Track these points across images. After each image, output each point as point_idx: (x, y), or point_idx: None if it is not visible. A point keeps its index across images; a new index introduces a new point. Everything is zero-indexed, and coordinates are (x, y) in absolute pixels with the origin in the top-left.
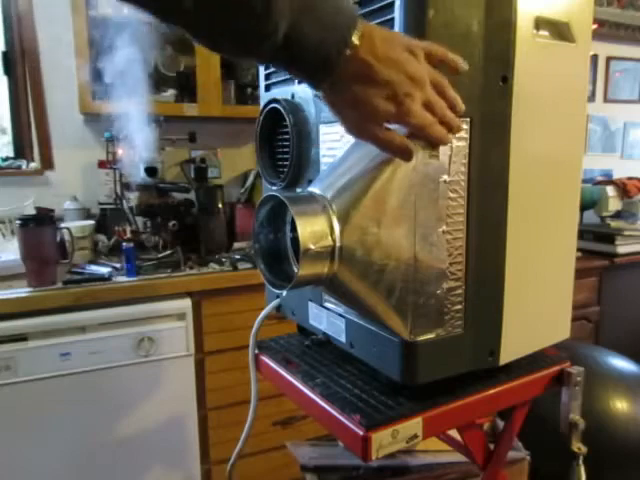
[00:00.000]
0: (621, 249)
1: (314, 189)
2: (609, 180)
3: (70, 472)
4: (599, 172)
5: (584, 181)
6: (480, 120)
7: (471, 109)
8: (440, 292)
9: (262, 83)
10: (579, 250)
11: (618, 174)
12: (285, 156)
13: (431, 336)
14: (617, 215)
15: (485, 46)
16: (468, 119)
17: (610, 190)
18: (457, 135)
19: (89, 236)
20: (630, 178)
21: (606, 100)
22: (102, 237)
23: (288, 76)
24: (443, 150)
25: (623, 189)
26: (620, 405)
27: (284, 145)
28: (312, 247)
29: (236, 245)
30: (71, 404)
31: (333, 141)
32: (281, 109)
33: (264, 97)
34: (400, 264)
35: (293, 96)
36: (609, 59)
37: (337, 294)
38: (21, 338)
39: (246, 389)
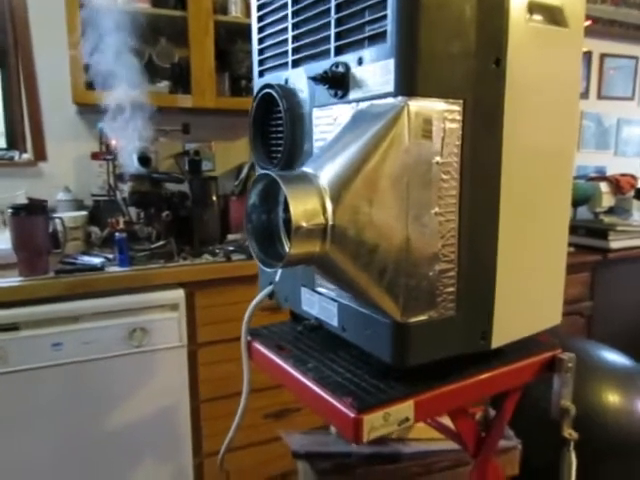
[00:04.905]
0: (614, 244)
1: (307, 169)
2: (602, 176)
3: (61, 463)
4: (593, 169)
5: (578, 177)
6: (473, 103)
7: (464, 91)
8: (432, 274)
9: (256, 69)
10: (572, 245)
11: (611, 170)
12: (279, 142)
13: (423, 318)
14: (610, 211)
15: (478, 29)
16: (461, 101)
17: (603, 186)
18: (450, 117)
19: (82, 227)
20: (623, 174)
21: (600, 97)
22: (95, 229)
23: (281, 61)
24: (436, 131)
25: (616, 185)
26: (612, 398)
27: (278, 131)
28: (304, 225)
29: (230, 237)
30: (63, 394)
31: (326, 125)
32: (274, 94)
33: (258, 83)
34: (392, 245)
35: (287, 81)
36: (603, 56)
37: (329, 274)
38: (12, 327)
39: (239, 381)
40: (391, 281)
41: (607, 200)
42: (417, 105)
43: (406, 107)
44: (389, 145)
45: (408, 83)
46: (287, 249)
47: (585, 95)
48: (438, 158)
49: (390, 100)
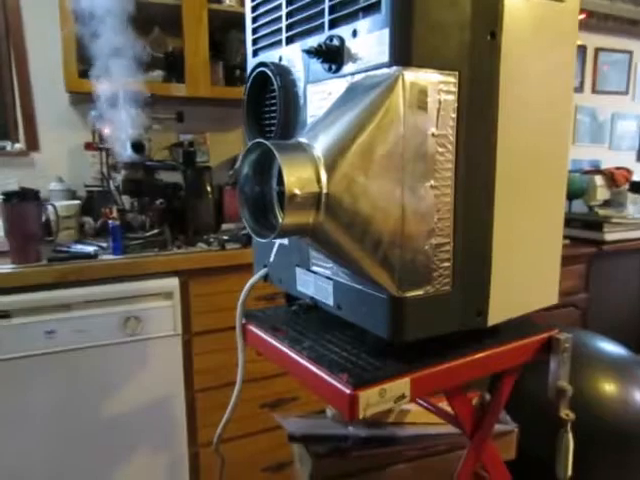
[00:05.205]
0: (609, 236)
1: (301, 139)
2: (597, 170)
3: (54, 451)
4: (587, 162)
5: (573, 171)
6: (469, 75)
7: (460, 63)
8: (428, 248)
9: (249, 48)
10: (568, 237)
11: (606, 164)
12: (272, 121)
13: (419, 292)
14: (605, 204)
15: (473, 1)
16: (457, 72)
17: (598, 180)
18: (445, 89)
19: (75, 216)
20: (618, 168)
21: (594, 91)
22: (88, 219)
23: (275, 39)
24: (431, 102)
25: (611, 179)
26: (608, 387)
27: (271, 110)
28: (298, 193)
29: (224, 226)
30: (56, 382)
31: (321, 100)
32: (268, 72)
33: (251, 63)
34: (387, 216)
35: (280, 59)
36: (597, 50)
37: (323, 247)
38: (4, 315)
39: (234, 371)
40: (386, 254)
41: (602, 193)
42: (412, 75)
43: (401, 77)
44: (384, 115)
45: (403, 53)
46: (280, 220)
47: (580, 89)
48: (433, 129)
49: (385, 70)
